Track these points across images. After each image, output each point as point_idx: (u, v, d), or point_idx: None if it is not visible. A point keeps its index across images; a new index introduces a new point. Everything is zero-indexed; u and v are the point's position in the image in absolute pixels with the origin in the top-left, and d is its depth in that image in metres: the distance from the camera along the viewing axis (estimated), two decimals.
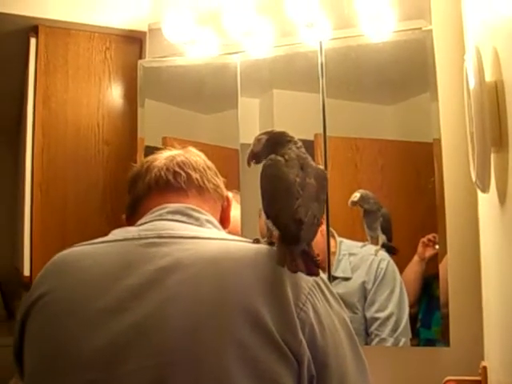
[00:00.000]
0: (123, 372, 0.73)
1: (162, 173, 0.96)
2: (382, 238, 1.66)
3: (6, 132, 3.30)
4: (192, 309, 0.75)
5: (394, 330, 1.61)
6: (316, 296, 0.80)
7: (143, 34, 2.05)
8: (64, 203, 1.98)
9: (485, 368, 1.28)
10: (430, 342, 1.58)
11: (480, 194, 1.35)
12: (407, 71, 1.71)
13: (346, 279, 1.70)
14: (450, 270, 1.52)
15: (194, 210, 0.92)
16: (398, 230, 1.66)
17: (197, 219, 0.91)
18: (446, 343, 1.51)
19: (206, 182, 0.98)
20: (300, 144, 0.89)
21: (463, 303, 1.52)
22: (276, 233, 0.81)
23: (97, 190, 2.02)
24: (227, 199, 1.03)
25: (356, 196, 1.68)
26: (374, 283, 1.66)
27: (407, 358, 1.59)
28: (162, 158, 0.99)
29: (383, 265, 1.66)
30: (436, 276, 1.58)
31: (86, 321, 0.78)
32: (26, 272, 1.91)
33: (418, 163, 1.66)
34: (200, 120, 1.99)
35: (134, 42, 2.11)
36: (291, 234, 0.78)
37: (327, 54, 1.74)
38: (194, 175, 0.97)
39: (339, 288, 1.67)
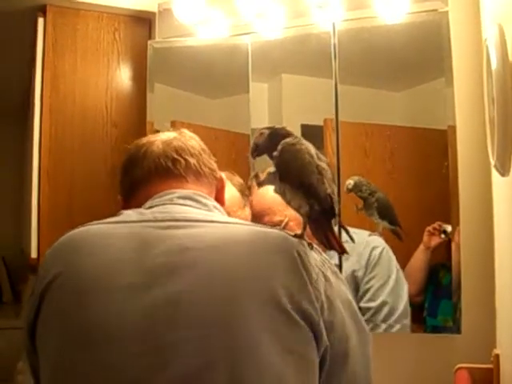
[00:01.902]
0: (164, 343, 0.76)
1: (162, 160, 0.97)
2: (383, 224, 1.63)
3: (14, 113, 3.29)
4: (224, 283, 0.79)
5: (387, 318, 1.59)
6: (325, 275, 0.85)
7: (153, 14, 2.02)
8: (71, 185, 1.96)
9: (497, 356, 1.27)
10: (436, 329, 1.57)
11: (497, 179, 1.32)
12: (422, 55, 1.67)
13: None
14: (462, 256, 1.50)
15: (200, 195, 0.95)
16: (407, 216, 1.63)
17: (205, 205, 0.94)
18: (458, 331, 1.49)
19: (202, 166, 1.00)
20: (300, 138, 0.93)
21: (476, 290, 1.50)
22: (305, 209, 0.87)
23: (104, 173, 1.99)
24: (221, 180, 1.05)
25: (350, 183, 1.65)
26: (365, 272, 1.62)
27: (419, 346, 1.58)
28: (159, 142, 1.00)
29: (376, 251, 1.62)
30: (443, 264, 1.56)
31: (116, 296, 0.80)
32: (34, 254, 1.90)
33: (430, 150, 1.63)
34: (210, 104, 1.97)
35: (143, 22, 2.08)
36: (329, 205, 0.86)
37: (340, 36, 1.70)
38: (192, 161, 0.99)
39: None
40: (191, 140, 1.02)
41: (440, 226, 1.54)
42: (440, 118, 1.57)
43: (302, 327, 0.79)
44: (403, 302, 1.59)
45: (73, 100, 1.98)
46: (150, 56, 1.93)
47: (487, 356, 1.31)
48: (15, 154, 3.35)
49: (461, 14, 1.58)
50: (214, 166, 1.03)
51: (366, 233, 1.64)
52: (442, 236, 1.54)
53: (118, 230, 0.88)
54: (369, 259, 1.62)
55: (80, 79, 2.00)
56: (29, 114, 2.39)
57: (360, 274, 1.63)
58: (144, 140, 1.03)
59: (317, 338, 0.80)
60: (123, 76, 2.06)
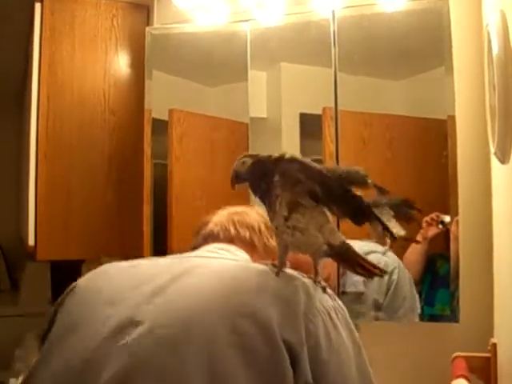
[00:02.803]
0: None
1: (215, 228, 1.06)
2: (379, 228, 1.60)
3: (11, 101, 3.26)
4: (208, 294, 0.83)
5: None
6: (331, 318, 0.83)
7: (151, 0, 2.00)
8: (69, 172, 1.95)
9: (494, 345, 1.27)
10: (434, 318, 1.57)
11: (496, 167, 1.32)
12: (422, 43, 1.65)
13: (359, 294, 1.61)
14: (461, 245, 1.50)
15: (237, 249, 1.02)
16: None
17: (233, 254, 1.00)
18: (456, 319, 1.49)
19: (255, 238, 1.06)
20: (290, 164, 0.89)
21: (473, 279, 1.50)
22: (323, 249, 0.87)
23: (102, 160, 1.99)
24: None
25: None
26: (385, 297, 1.59)
27: (416, 335, 1.58)
28: (222, 214, 1.10)
29: (394, 276, 1.58)
30: (440, 254, 1.56)
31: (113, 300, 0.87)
32: (31, 241, 1.90)
33: (429, 140, 1.62)
34: (208, 92, 1.96)
35: (141, 9, 2.06)
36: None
37: (340, 23, 1.69)
38: (243, 232, 1.05)
39: (352, 304, 1.57)
40: (255, 215, 1.09)
41: (437, 216, 1.53)
42: (440, 108, 1.56)
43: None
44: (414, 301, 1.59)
45: (70, 87, 1.97)
46: (148, 43, 1.91)
47: (485, 345, 1.31)
48: (13, 143, 3.33)
49: (462, 1, 1.57)
50: (273, 242, 1.04)
51: (379, 250, 1.56)
52: (440, 226, 1.53)
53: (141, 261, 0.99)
54: (389, 285, 1.58)
55: (78, 66, 1.99)
56: (26, 102, 2.37)
57: (381, 300, 1.60)
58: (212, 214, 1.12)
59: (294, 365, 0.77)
60: (121, 63, 2.05)
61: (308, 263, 0.92)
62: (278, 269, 0.88)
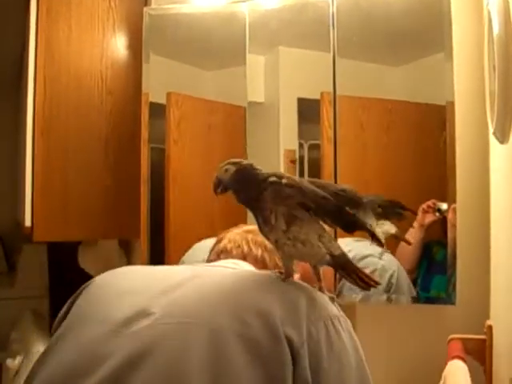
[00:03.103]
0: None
1: (228, 245, 1.10)
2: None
3: (7, 83, 3.24)
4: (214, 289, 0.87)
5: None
6: (334, 325, 0.84)
7: None
8: (66, 154, 1.94)
9: (490, 327, 1.28)
10: (430, 300, 1.57)
11: (495, 148, 1.32)
12: (422, 27, 1.64)
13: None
14: (458, 231, 1.49)
15: (247, 265, 1.05)
16: (402, 193, 1.61)
17: (244, 267, 1.04)
18: (452, 302, 1.50)
19: (266, 257, 1.09)
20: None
21: (471, 263, 1.50)
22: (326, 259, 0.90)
23: (99, 141, 1.98)
24: None
25: None
26: (387, 297, 1.58)
27: (412, 317, 1.59)
28: (236, 232, 1.13)
29: (393, 280, 1.57)
30: (437, 241, 1.56)
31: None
32: (27, 223, 1.89)
33: (428, 125, 1.62)
34: (206, 76, 1.95)
35: None
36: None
37: (338, 5, 1.67)
38: (256, 250, 1.09)
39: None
40: None
41: (434, 204, 1.53)
42: (439, 94, 1.55)
43: None
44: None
45: (67, 67, 1.95)
46: (145, 24, 1.89)
47: (480, 327, 1.32)
48: (10, 125, 3.31)
49: None
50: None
51: (376, 252, 1.57)
52: (437, 214, 1.53)
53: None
54: (389, 286, 1.57)
55: (74, 47, 1.97)
56: (22, 83, 2.35)
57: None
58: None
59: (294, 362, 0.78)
60: (119, 44, 2.03)
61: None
62: (285, 276, 0.91)
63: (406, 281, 1.59)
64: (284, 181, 0.87)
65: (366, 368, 0.86)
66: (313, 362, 0.78)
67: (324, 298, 0.88)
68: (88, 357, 0.81)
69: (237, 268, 1.02)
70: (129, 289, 0.92)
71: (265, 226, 0.90)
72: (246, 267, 1.04)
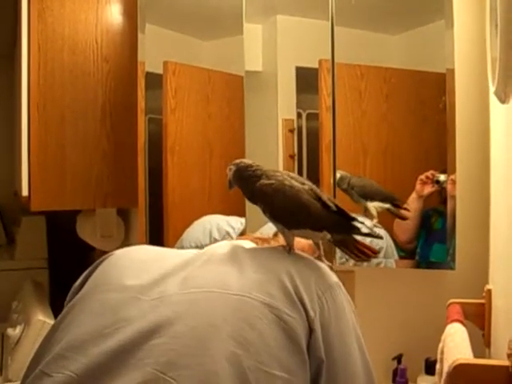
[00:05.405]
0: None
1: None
2: (377, 207, 1.59)
3: (1, 50, 3.20)
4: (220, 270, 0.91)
5: None
6: (336, 294, 0.90)
7: None
8: (62, 121, 1.92)
9: (489, 291, 1.28)
10: (429, 265, 1.56)
11: (495, 109, 1.30)
12: None
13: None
14: (458, 192, 1.49)
15: (248, 242, 1.09)
16: (401, 163, 1.61)
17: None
18: (452, 267, 1.50)
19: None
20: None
21: (470, 225, 1.50)
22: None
23: (95, 108, 1.96)
24: None
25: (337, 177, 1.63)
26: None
27: (412, 280, 1.59)
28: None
29: (382, 253, 1.54)
30: (435, 209, 1.55)
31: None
32: (25, 192, 1.88)
33: (427, 94, 1.60)
34: (203, 45, 1.92)
35: None
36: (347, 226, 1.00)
37: None
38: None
39: None
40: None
41: (433, 175, 1.52)
42: (439, 61, 1.53)
43: None
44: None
45: (62, 34, 1.92)
46: None
47: (480, 291, 1.32)
48: (4, 96, 3.28)
49: None
50: None
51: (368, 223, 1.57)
52: (435, 185, 1.52)
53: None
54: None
55: (68, 13, 1.93)
56: (17, 52, 2.32)
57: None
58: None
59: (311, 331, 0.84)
60: (113, 10, 1.99)
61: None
62: (288, 248, 0.98)
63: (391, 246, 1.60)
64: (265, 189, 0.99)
65: (358, 328, 0.93)
66: (324, 325, 0.85)
67: (325, 267, 0.95)
68: (110, 319, 0.83)
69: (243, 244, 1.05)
70: (154, 256, 0.98)
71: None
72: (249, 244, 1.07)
